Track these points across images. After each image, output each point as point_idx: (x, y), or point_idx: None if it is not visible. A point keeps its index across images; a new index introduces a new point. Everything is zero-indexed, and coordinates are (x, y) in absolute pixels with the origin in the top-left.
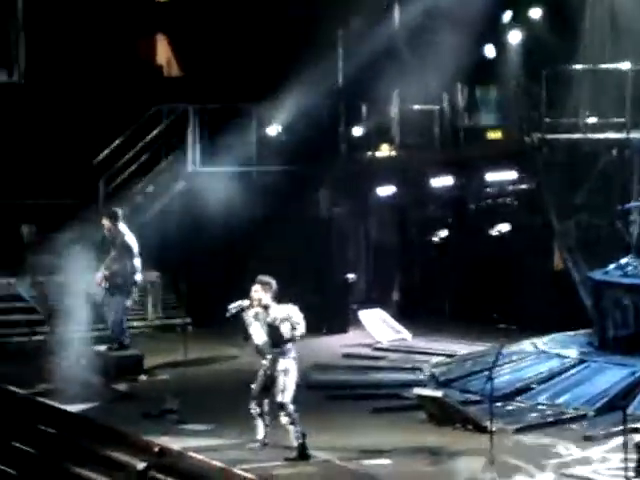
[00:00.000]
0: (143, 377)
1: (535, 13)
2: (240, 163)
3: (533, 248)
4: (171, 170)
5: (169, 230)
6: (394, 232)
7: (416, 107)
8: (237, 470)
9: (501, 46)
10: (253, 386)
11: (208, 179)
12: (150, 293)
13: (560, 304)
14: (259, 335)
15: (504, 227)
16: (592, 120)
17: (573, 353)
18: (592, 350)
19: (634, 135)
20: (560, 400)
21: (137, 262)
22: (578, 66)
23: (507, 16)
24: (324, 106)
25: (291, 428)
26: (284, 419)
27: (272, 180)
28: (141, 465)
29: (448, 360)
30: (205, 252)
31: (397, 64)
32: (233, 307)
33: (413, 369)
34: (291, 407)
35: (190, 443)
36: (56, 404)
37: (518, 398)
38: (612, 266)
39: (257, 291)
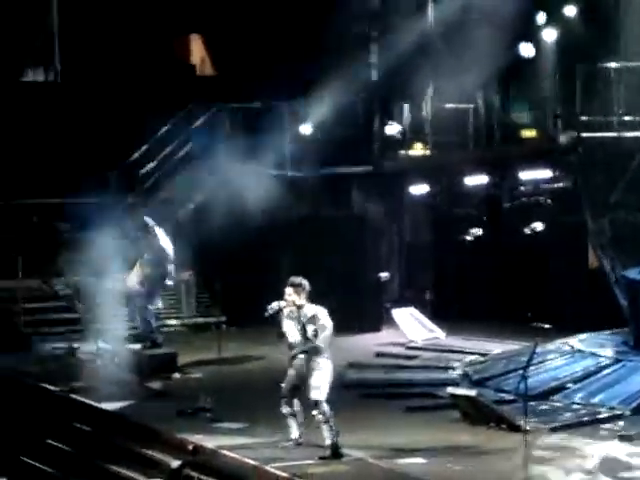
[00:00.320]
0: (177, 375)
1: (570, 11)
2: (274, 162)
3: (567, 247)
4: (204, 169)
5: (203, 229)
6: (427, 231)
7: (450, 105)
8: (270, 468)
9: (536, 44)
10: (282, 385)
11: (241, 178)
12: (184, 292)
13: (595, 303)
14: (293, 333)
15: (538, 226)
16: (627, 118)
17: (608, 352)
18: (627, 349)
19: None
20: (595, 399)
21: (171, 267)
22: (613, 64)
23: (542, 14)
24: (358, 104)
25: (325, 426)
26: (318, 417)
27: (306, 179)
28: (175, 463)
29: (482, 359)
30: (239, 251)
31: (431, 62)
32: (271, 308)
33: (446, 368)
34: (325, 405)
35: (224, 441)
36: (91, 402)
37: (553, 397)
38: None
39: (290, 294)
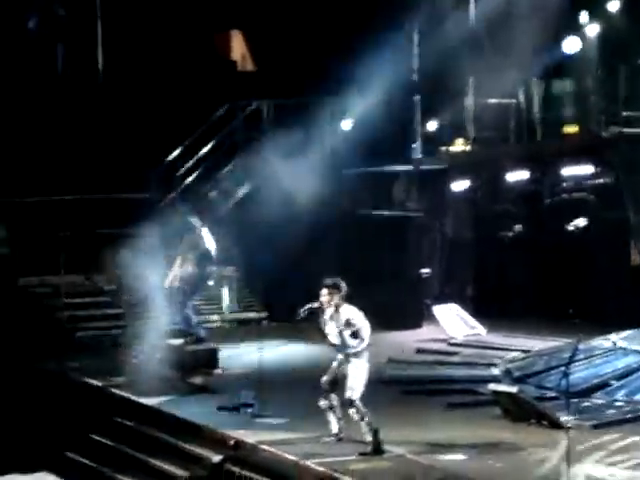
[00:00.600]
0: (219, 371)
1: (613, 6)
2: (314, 159)
3: (610, 243)
4: (245, 165)
5: (244, 225)
6: (468, 227)
7: (492, 101)
8: (311, 464)
9: (578, 39)
10: (323, 379)
11: (282, 175)
12: (226, 288)
13: (637, 299)
14: (334, 335)
15: (580, 222)
16: None
17: None
18: None
19: None
20: (637, 396)
21: (214, 268)
22: None
23: (585, 9)
24: (399, 100)
25: (362, 423)
26: (354, 415)
27: (347, 176)
28: (217, 458)
29: (523, 356)
30: (281, 247)
31: (473, 57)
32: (303, 310)
33: (487, 365)
34: (359, 403)
35: (265, 437)
36: (133, 397)
37: (595, 394)
38: None
39: (324, 295)
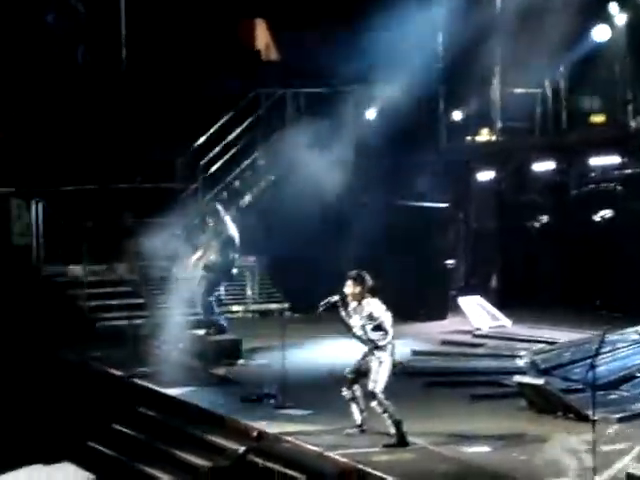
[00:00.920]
0: (241, 361)
1: None
2: (338, 148)
3: (637, 234)
4: (269, 155)
5: (267, 215)
6: (494, 218)
7: (518, 90)
8: (334, 455)
9: (608, 27)
10: (346, 370)
11: (306, 164)
12: (249, 278)
13: None
14: (357, 327)
15: (607, 213)
16: None
17: None
18: None
19: None
20: None
21: (237, 256)
22: None
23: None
24: (424, 89)
25: (385, 415)
26: (376, 408)
27: (371, 165)
28: (240, 449)
29: (549, 347)
30: (303, 237)
31: (498, 46)
32: (322, 304)
33: (513, 356)
34: (381, 396)
35: (288, 428)
36: (155, 387)
37: (621, 387)
38: None
39: (349, 286)
